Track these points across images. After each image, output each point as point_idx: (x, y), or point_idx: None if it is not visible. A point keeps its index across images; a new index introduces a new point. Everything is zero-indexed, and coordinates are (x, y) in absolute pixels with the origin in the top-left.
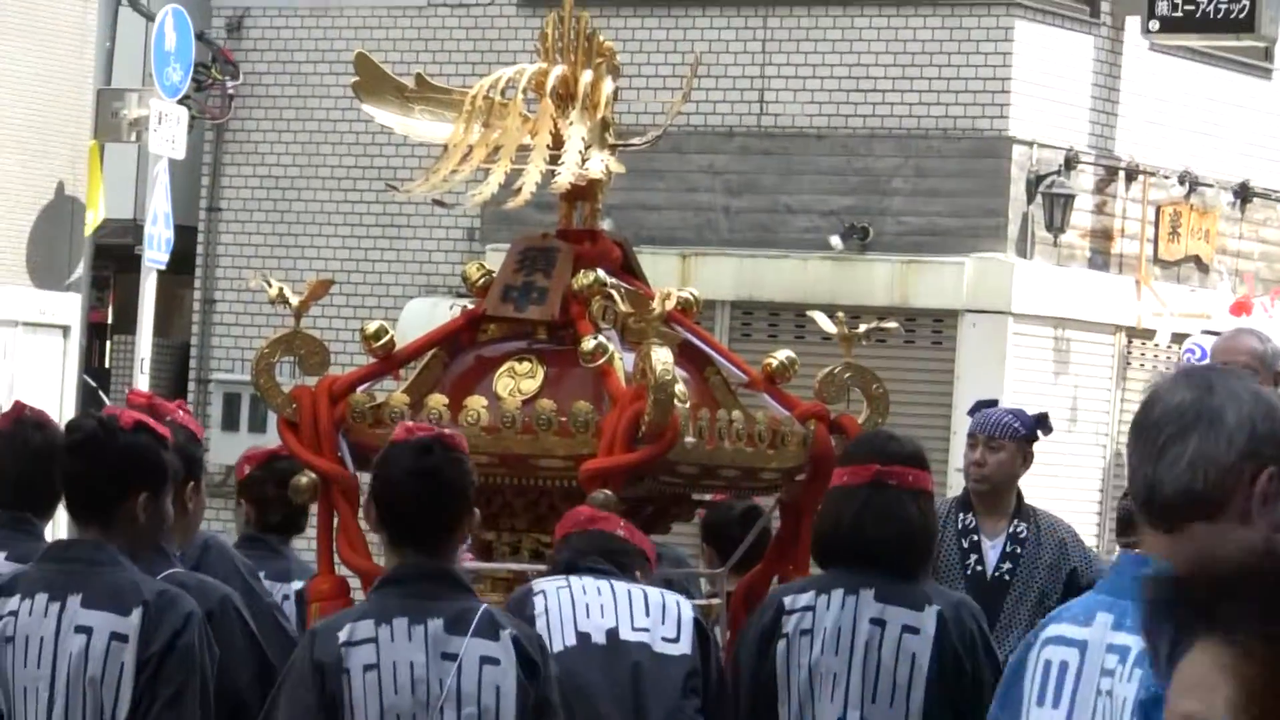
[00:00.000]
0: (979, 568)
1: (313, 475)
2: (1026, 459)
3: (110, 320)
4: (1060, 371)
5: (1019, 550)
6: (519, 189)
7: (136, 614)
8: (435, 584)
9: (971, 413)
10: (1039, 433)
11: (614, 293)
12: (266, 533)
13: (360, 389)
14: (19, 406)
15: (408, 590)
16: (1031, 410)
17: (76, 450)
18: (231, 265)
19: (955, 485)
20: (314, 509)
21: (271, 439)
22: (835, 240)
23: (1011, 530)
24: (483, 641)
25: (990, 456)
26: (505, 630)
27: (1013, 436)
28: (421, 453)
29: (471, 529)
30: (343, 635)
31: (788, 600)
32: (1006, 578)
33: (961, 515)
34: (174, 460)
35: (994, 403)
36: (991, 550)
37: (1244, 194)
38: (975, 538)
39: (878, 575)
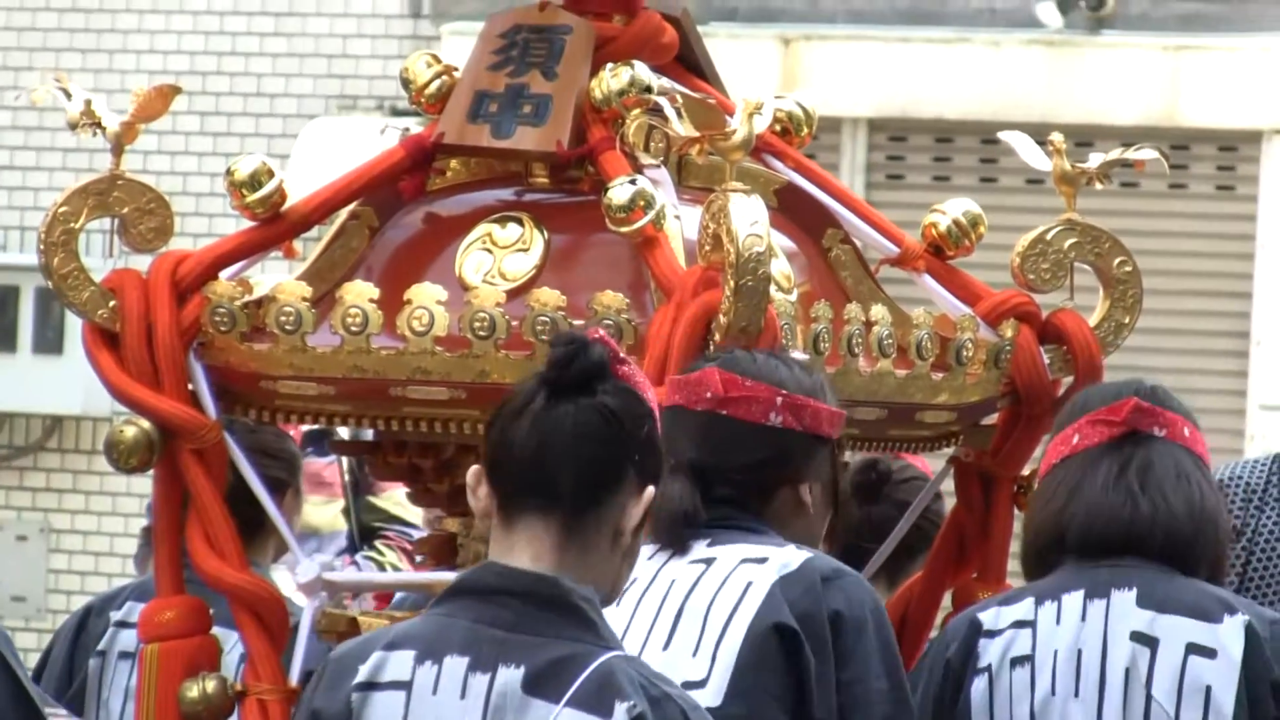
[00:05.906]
0: None
1: (144, 425)
2: None
3: None
4: None
5: None
6: None
7: None
8: (535, 605)
9: None
10: None
11: (665, 103)
12: None
13: (226, 274)
14: None
15: (487, 610)
16: None
17: None
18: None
19: (1264, 430)
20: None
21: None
22: (1047, 9)
23: None
24: (582, 716)
25: None
26: (625, 704)
27: None
28: (562, 367)
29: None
30: (363, 672)
31: (986, 617)
32: None
33: None
34: None
35: None
36: None
37: None
38: None
39: (1140, 570)
